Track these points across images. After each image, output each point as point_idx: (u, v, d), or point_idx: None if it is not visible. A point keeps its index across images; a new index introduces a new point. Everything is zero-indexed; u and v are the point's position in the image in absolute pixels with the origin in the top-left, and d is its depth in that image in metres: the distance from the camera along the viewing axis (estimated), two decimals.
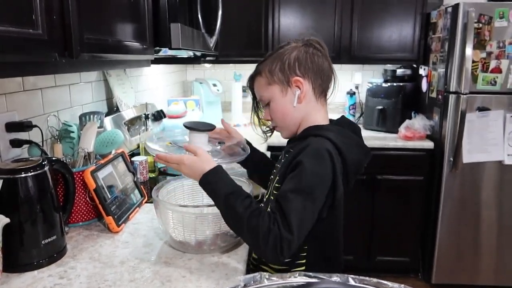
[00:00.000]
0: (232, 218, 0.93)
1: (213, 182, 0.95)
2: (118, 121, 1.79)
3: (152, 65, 1.94)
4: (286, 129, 1.12)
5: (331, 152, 0.94)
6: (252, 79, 1.13)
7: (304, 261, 1.03)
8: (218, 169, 0.97)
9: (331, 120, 1.12)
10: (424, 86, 2.72)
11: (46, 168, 1.02)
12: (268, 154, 2.23)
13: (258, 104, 1.17)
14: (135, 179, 1.42)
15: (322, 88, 1.07)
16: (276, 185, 1.03)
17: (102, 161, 1.26)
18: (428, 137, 2.58)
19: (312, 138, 1.00)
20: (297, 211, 0.88)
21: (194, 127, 1.11)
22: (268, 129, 1.23)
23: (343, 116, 1.15)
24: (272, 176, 1.13)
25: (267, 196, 1.14)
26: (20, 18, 0.70)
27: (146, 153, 1.79)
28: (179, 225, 1.06)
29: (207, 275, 0.97)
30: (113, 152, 1.39)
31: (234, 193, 0.93)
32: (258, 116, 1.18)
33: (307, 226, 0.91)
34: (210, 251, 1.07)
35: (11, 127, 1.20)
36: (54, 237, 1.02)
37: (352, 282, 0.45)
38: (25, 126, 1.23)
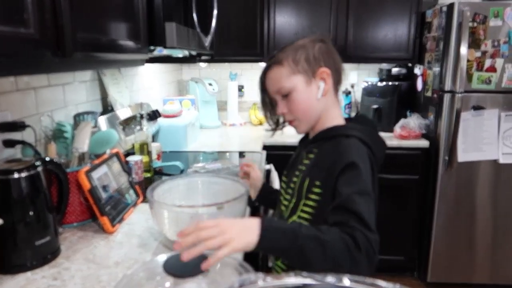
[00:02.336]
0: (313, 255, 0.78)
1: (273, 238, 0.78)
2: (112, 121, 1.78)
3: (147, 64, 1.94)
4: (305, 123, 1.07)
5: (369, 156, 0.95)
6: (267, 70, 1.07)
7: None
8: (267, 224, 0.79)
9: (348, 119, 1.10)
10: (419, 85, 2.73)
11: (40, 169, 1.01)
12: (264, 153, 2.23)
13: (269, 98, 1.11)
14: (130, 179, 1.41)
15: (338, 85, 1.08)
16: (316, 189, 0.98)
17: (97, 161, 1.25)
18: (424, 136, 2.59)
19: (344, 139, 0.98)
20: (369, 212, 0.84)
21: (179, 273, 0.77)
22: (274, 126, 1.17)
23: (361, 114, 1.14)
24: (295, 179, 1.06)
25: (294, 201, 1.05)
26: (12, 17, 0.70)
27: (142, 152, 1.79)
28: (174, 225, 1.05)
29: (202, 275, 0.96)
30: (107, 152, 1.39)
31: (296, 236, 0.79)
32: (268, 111, 1.13)
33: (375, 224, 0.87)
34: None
35: (4, 127, 1.19)
36: (48, 238, 1.02)
37: (347, 282, 0.45)
38: (18, 126, 1.22)
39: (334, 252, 0.77)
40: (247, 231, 0.76)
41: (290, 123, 1.10)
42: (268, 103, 1.12)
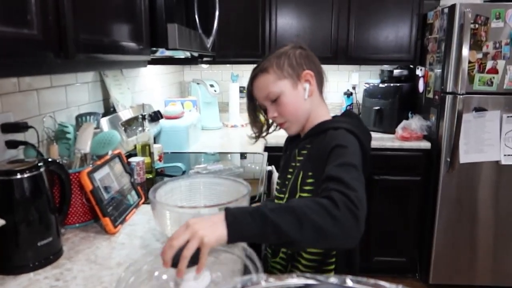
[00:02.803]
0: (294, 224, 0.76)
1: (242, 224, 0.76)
2: (114, 122, 1.78)
3: (149, 66, 1.94)
4: (296, 123, 1.13)
5: (356, 144, 0.99)
6: (253, 78, 1.14)
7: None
8: (230, 213, 0.77)
9: (335, 116, 1.17)
10: (420, 86, 2.73)
11: (42, 170, 1.01)
12: (266, 155, 2.23)
13: (255, 105, 1.19)
14: (132, 180, 1.42)
15: (321, 86, 1.15)
16: (309, 180, 1.03)
17: (99, 162, 1.26)
18: (425, 137, 2.58)
19: (332, 131, 1.03)
20: (351, 177, 0.84)
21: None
22: (257, 133, 1.24)
23: (348, 110, 1.22)
24: (289, 176, 1.11)
25: (287, 196, 1.10)
26: (15, 18, 0.70)
27: (143, 154, 1.79)
28: (176, 226, 1.05)
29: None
30: (109, 153, 1.39)
31: (272, 210, 0.77)
32: (254, 117, 1.21)
33: (363, 189, 0.85)
34: None
35: (7, 128, 1.19)
36: (50, 239, 1.02)
37: (349, 283, 0.45)
38: (21, 127, 1.22)
39: (310, 217, 0.75)
40: (215, 225, 0.74)
41: (281, 125, 1.16)
42: (253, 111, 1.20)
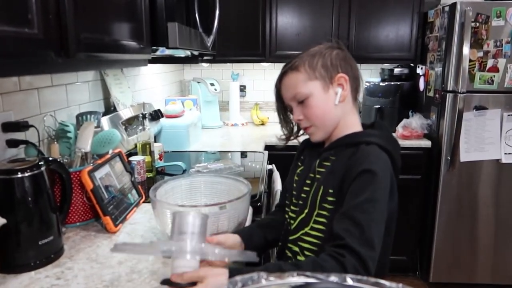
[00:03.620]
0: None
1: None
2: (115, 121, 1.78)
3: (150, 65, 1.94)
4: (322, 129, 1.04)
5: (389, 165, 0.94)
6: (282, 76, 1.05)
7: None
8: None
9: (364, 126, 1.09)
10: (421, 85, 2.72)
11: (43, 168, 1.01)
12: (266, 154, 2.23)
13: (283, 105, 1.09)
14: (133, 179, 1.42)
15: (356, 92, 1.05)
16: (329, 198, 0.95)
17: (99, 161, 1.26)
18: (426, 136, 2.58)
19: (365, 146, 0.96)
20: (377, 222, 0.82)
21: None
22: (288, 134, 1.14)
23: (378, 120, 1.12)
24: (307, 188, 1.03)
25: (307, 211, 1.01)
26: (16, 18, 0.70)
27: (144, 152, 1.79)
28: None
29: None
30: (110, 152, 1.39)
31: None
32: (284, 118, 1.11)
33: (380, 233, 0.85)
34: None
35: (7, 127, 1.19)
36: (51, 238, 1.02)
37: (350, 281, 0.45)
38: (22, 126, 1.22)
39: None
40: None
41: (306, 130, 1.07)
42: (282, 110, 1.11)
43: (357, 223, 0.82)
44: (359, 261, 0.79)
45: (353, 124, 1.04)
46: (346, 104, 1.03)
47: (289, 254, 1.06)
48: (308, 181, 1.04)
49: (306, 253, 1.01)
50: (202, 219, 0.79)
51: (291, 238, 1.05)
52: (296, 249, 1.03)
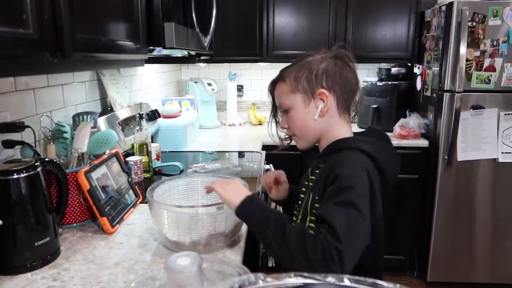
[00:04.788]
0: (275, 238, 0.85)
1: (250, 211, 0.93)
2: (112, 121, 1.77)
3: (146, 65, 1.94)
4: (303, 140, 1.07)
5: (368, 169, 0.91)
6: (274, 84, 1.08)
7: None
8: (251, 198, 0.94)
9: (356, 134, 1.08)
10: (418, 84, 2.73)
11: (39, 169, 1.01)
12: (264, 153, 2.22)
13: (276, 110, 1.12)
14: (130, 180, 1.41)
15: (346, 104, 1.04)
16: (316, 205, 0.96)
17: (96, 162, 1.25)
18: (423, 135, 2.59)
19: (347, 151, 0.96)
20: (346, 225, 0.81)
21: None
22: (287, 136, 1.15)
23: (370, 127, 1.12)
24: (302, 195, 1.05)
25: (300, 217, 1.04)
26: (11, 18, 0.69)
27: (141, 153, 1.78)
28: (174, 225, 1.05)
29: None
30: (107, 152, 1.38)
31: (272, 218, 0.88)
32: (276, 122, 1.13)
33: (358, 239, 0.83)
34: (205, 251, 1.06)
35: (3, 127, 1.19)
36: (48, 239, 1.01)
37: (347, 282, 0.45)
38: (17, 126, 1.21)
39: (290, 243, 0.82)
40: (236, 193, 0.95)
41: (291, 137, 1.11)
42: (275, 115, 1.13)
43: (327, 222, 0.82)
44: (328, 248, 0.78)
45: (341, 134, 1.03)
46: (330, 118, 1.02)
47: None
48: (303, 189, 1.06)
49: None
50: (198, 264, 0.74)
51: None
52: None
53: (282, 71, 1.06)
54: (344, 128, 1.05)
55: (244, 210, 0.93)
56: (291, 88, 1.02)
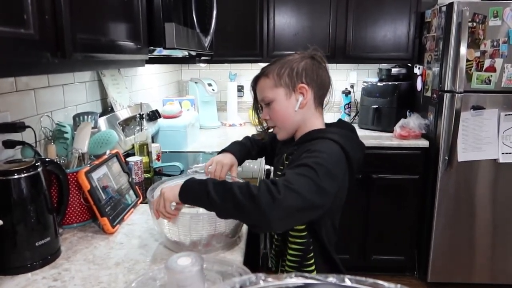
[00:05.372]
0: (227, 200, 0.91)
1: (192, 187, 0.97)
2: (112, 121, 1.78)
3: (147, 65, 1.94)
4: (284, 131, 1.18)
5: (336, 154, 1.02)
6: (256, 79, 1.18)
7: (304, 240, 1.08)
8: (186, 181, 0.99)
9: (328, 125, 1.19)
10: (419, 85, 2.73)
11: (40, 169, 1.01)
12: None
13: (258, 104, 1.23)
14: (130, 180, 1.41)
15: (321, 99, 1.16)
16: None
17: (97, 162, 1.25)
18: (423, 136, 2.59)
19: (320, 140, 1.06)
20: (297, 179, 0.90)
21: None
22: (264, 128, 1.28)
23: (340, 119, 1.25)
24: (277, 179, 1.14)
25: None
26: (11, 18, 0.69)
27: (141, 153, 1.78)
28: (174, 225, 1.05)
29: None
30: (107, 152, 1.38)
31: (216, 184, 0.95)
32: (258, 116, 1.24)
33: (301, 189, 0.89)
34: (205, 251, 1.06)
35: (4, 128, 1.19)
36: (48, 239, 1.01)
37: (348, 282, 0.45)
38: (18, 127, 1.21)
39: (234, 191, 0.89)
40: (174, 189, 0.98)
41: (272, 128, 1.23)
42: (258, 109, 1.24)
43: (284, 174, 0.93)
44: (274, 184, 0.88)
45: (315, 125, 1.15)
46: (307, 110, 1.14)
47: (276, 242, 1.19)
48: (278, 173, 1.18)
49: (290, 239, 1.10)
50: (199, 264, 0.75)
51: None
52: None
53: (264, 69, 1.16)
54: (318, 120, 1.17)
55: (185, 190, 0.97)
56: (274, 83, 1.13)
